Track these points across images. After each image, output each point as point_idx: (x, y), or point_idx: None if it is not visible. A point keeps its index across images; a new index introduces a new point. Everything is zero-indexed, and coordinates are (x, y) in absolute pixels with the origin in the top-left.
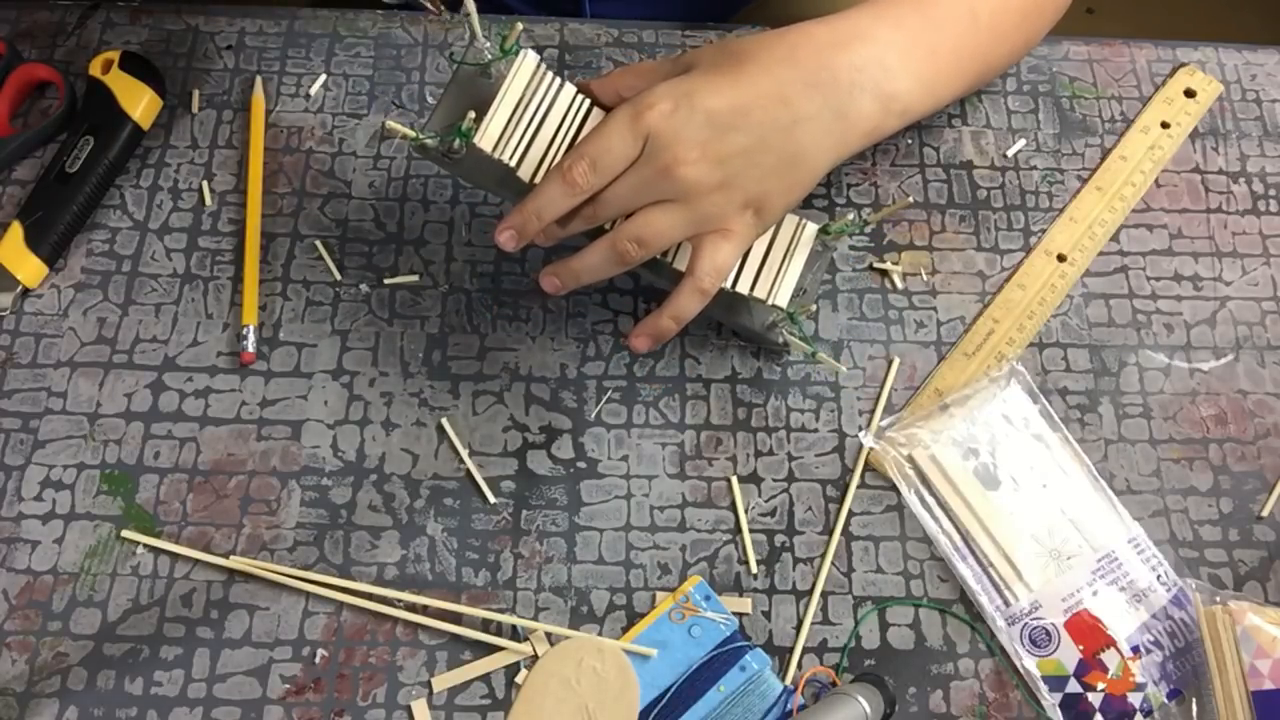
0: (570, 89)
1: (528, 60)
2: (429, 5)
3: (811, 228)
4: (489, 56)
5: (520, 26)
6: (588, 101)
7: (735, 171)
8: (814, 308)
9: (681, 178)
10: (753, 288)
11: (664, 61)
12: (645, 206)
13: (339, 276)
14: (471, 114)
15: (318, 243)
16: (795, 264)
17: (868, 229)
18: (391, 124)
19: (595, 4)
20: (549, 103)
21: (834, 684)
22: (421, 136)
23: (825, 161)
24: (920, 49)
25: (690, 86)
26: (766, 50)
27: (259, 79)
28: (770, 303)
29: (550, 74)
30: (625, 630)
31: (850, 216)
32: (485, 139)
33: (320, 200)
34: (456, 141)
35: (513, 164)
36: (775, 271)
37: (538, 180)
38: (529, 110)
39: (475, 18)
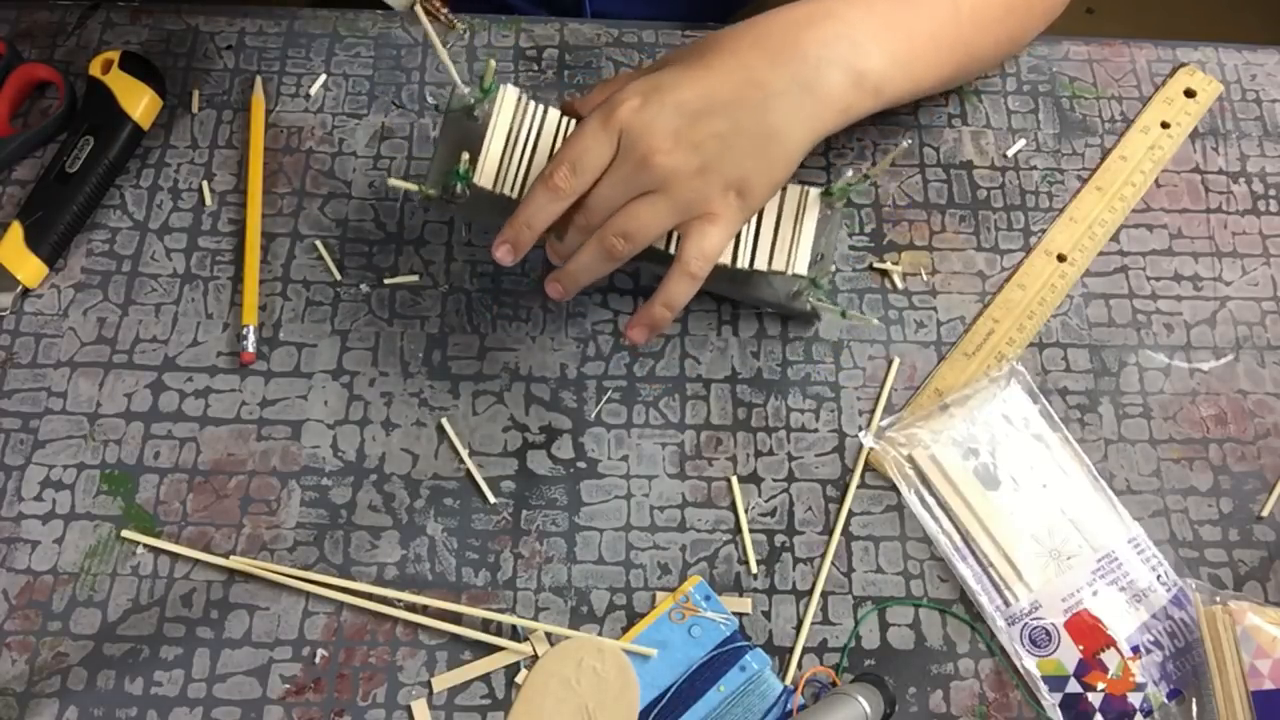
0: (555, 113)
1: (509, 94)
2: (440, 17)
3: (814, 192)
4: (472, 100)
5: (493, 64)
6: (574, 121)
7: (712, 155)
8: (833, 269)
9: (658, 166)
10: (770, 262)
11: (639, 70)
12: (629, 202)
13: (339, 276)
14: (465, 156)
15: (318, 243)
16: (806, 231)
17: (869, 184)
18: (394, 181)
19: (595, 2)
20: (537, 130)
21: (834, 684)
22: (425, 189)
23: (800, 137)
24: (894, 30)
25: (659, 81)
26: (735, 38)
27: (259, 79)
28: (790, 273)
29: (533, 103)
30: (625, 630)
31: (849, 173)
32: (484, 177)
33: (320, 200)
34: (459, 186)
35: (514, 195)
36: (789, 242)
37: None
38: (519, 141)
39: (451, 68)
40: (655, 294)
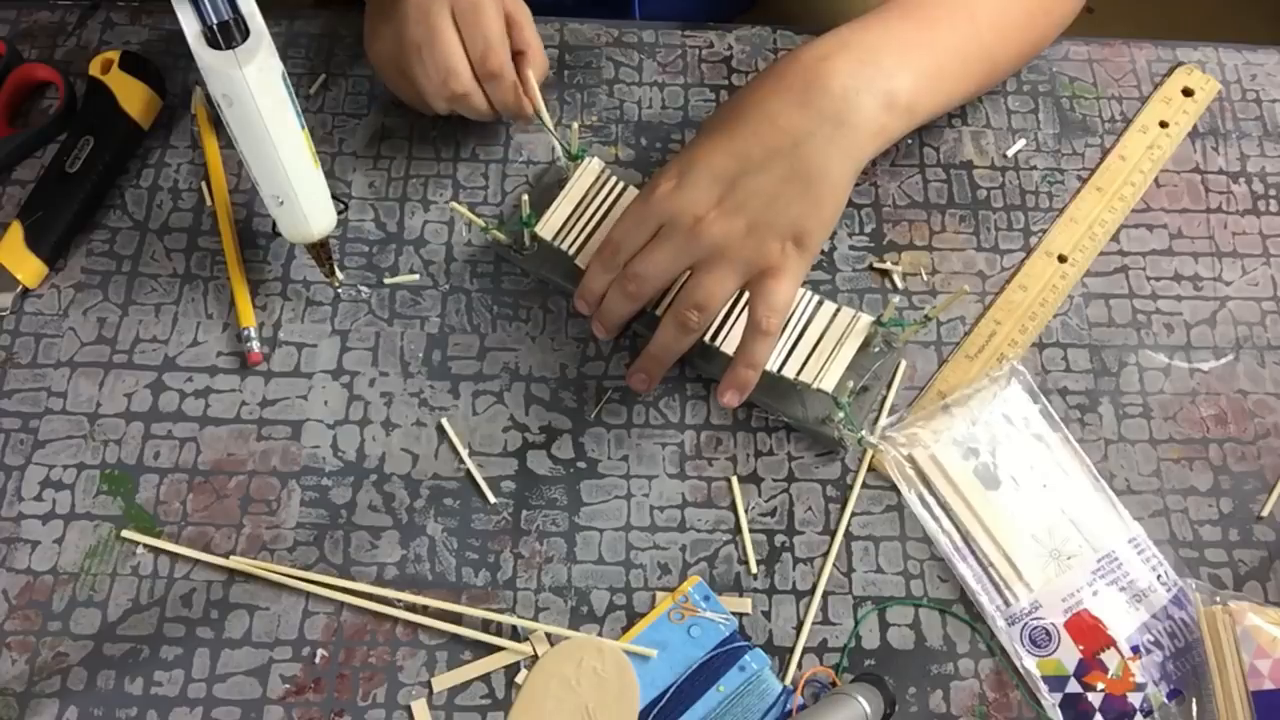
0: (632, 192)
1: (593, 165)
2: (324, 275)
3: (865, 319)
4: (567, 174)
5: (577, 126)
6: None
7: (757, 212)
8: (872, 414)
9: (709, 235)
10: (799, 372)
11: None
12: (693, 274)
13: (340, 277)
14: (525, 199)
15: None
16: (845, 352)
17: (927, 323)
18: (456, 206)
19: (645, 4)
20: (610, 202)
21: (834, 684)
22: (490, 227)
23: (841, 171)
24: (915, 48)
25: (691, 156)
26: (756, 91)
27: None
28: (815, 387)
29: (614, 178)
30: (625, 630)
31: (896, 299)
32: (546, 229)
33: None
34: (525, 235)
35: (571, 252)
36: (825, 359)
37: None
38: (589, 208)
39: (559, 145)
40: (736, 357)
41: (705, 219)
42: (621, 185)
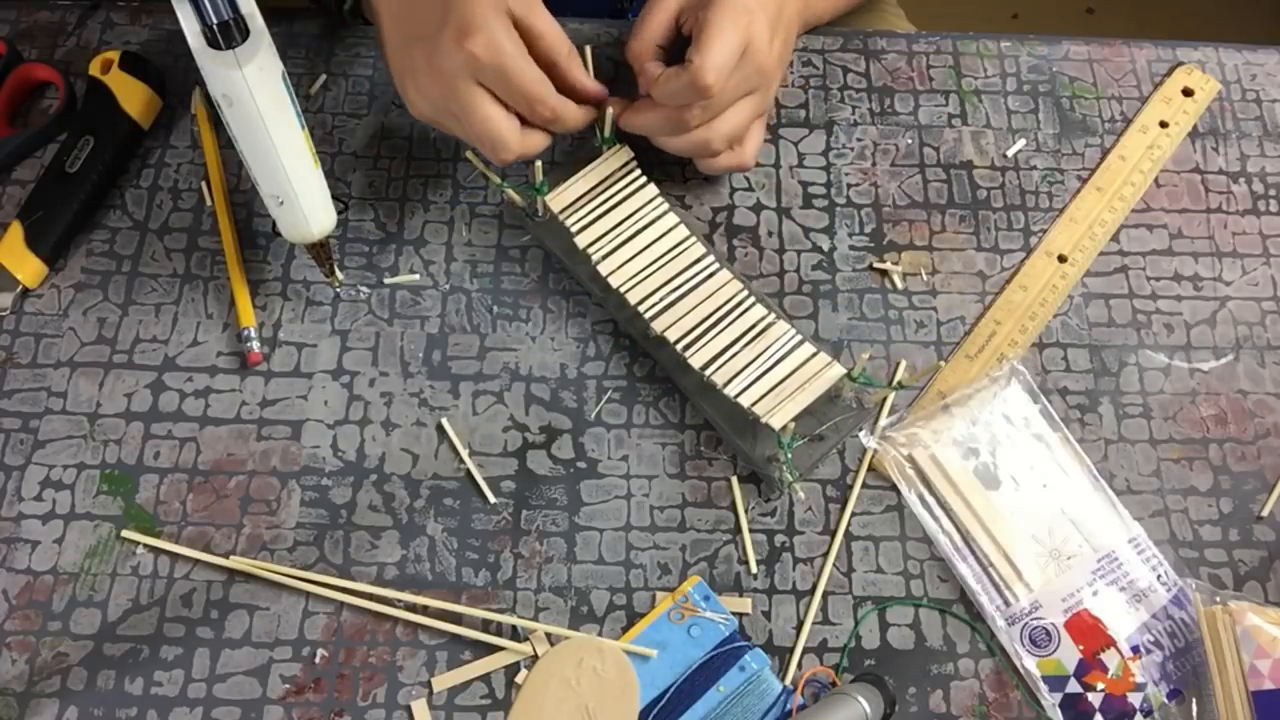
0: (652, 189)
1: (621, 153)
2: (324, 275)
3: (838, 369)
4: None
5: (612, 111)
6: (664, 205)
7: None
8: (819, 458)
9: (770, 73)
10: (754, 404)
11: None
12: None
13: (340, 276)
14: (539, 165)
15: None
16: (805, 395)
17: (899, 388)
18: (471, 156)
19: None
20: (627, 193)
21: (834, 684)
22: (503, 184)
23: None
24: None
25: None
26: None
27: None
28: (764, 420)
29: (639, 171)
30: (625, 630)
31: (866, 356)
32: (557, 201)
33: None
34: (540, 204)
35: (573, 229)
36: (783, 398)
37: (591, 251)
38: (605, 193)
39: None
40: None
41: (774, 74)
42: (643, 179)
